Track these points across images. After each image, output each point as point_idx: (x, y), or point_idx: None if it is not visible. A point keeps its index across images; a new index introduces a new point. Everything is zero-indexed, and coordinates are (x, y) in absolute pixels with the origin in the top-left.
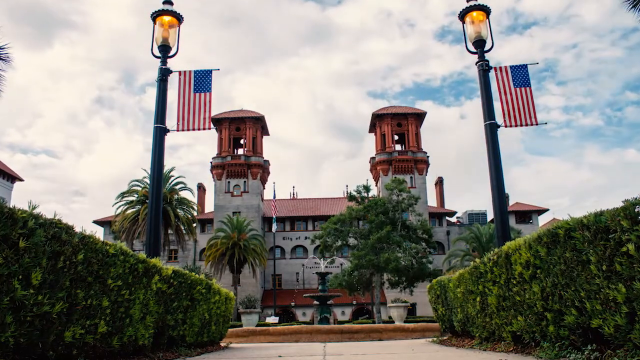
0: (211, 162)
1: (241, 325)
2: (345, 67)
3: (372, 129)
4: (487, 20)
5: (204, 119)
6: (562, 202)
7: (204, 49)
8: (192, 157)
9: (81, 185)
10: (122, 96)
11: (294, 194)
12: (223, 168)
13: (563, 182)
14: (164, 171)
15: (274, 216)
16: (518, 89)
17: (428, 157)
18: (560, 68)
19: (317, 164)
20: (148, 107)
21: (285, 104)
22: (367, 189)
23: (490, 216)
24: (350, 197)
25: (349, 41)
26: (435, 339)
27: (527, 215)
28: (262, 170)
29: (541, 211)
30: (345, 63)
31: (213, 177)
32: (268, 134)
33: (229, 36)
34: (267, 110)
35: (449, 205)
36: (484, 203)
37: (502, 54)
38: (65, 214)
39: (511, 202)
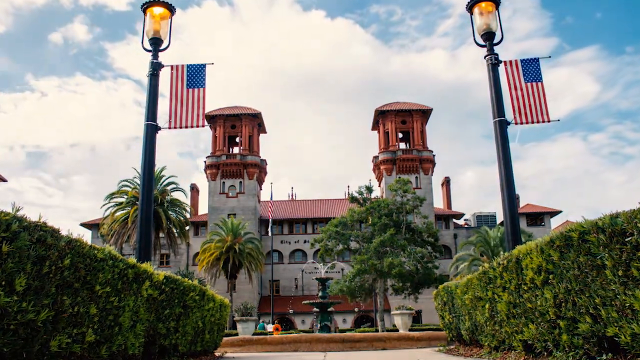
0: (205, 162)
1: (237, 334)
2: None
3: (375, 126)
4: (497, 11)
5: (198, 115)
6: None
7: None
8: (186, 156)
9: None
10: None
11: (292, 195)
12: (217, 168)
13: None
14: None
15: (271, 218)
16: (529, 84)
17: (434, 155)
18: None
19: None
20: None
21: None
22: (369, 189)
23: (499, 218)
24: (352, 199)
25: None
26: (441, 348)
27: (538, 217)
28: (259, 170)
29: (554, 213)
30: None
31: (207, 177)
32: (265, 132)
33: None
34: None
35: (456, 207)
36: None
37: None
38: None
39: (522, 203)
